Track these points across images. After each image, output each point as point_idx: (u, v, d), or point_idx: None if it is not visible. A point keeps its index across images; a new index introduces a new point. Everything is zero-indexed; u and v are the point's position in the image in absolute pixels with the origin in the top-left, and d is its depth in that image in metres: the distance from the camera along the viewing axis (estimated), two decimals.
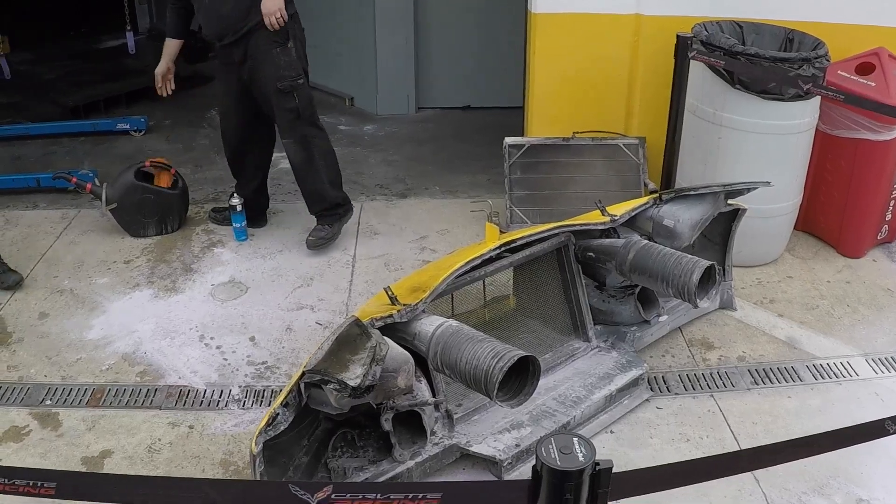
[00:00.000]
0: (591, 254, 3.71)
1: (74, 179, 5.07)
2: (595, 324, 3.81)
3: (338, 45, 6.96)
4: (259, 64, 4.47)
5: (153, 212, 4.91)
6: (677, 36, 4.35)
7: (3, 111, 6.84)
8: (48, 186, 5.35)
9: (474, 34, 6.83)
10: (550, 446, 1.59)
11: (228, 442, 3.38)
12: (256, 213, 5.04)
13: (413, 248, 4.84)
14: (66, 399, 3.61)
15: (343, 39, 6.96)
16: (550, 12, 4.84)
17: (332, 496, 1.54)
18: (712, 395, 3.65)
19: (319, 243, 4.80)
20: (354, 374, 2.63)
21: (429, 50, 6.91)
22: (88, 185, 4.99)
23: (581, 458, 1.59)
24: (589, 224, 3.73)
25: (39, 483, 1.57)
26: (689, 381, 3.74)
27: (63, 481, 1.62)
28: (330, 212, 4.84)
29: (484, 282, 3.71)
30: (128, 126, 6.50)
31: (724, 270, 4.19)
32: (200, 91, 7.40)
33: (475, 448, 3.20)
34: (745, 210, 4.06)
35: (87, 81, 7.31)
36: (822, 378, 3.76)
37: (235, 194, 4.87)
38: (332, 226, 4.84)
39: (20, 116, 6.66)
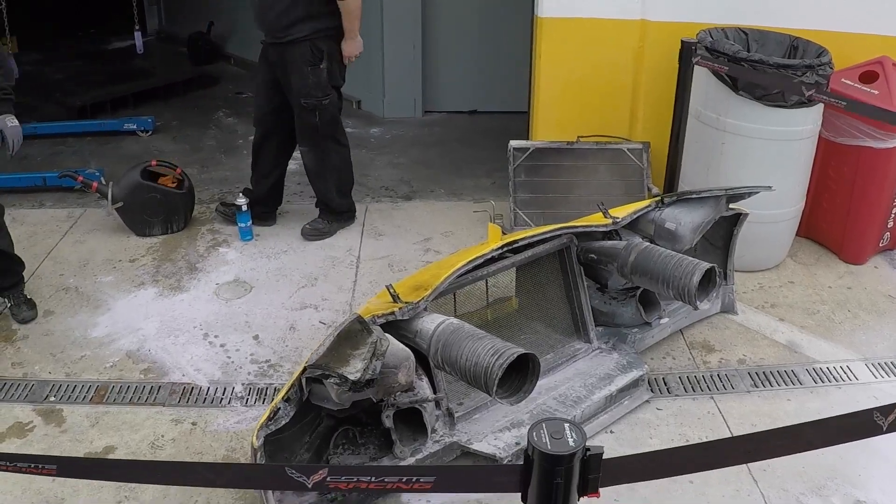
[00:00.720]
0: (592, 255, 3.72)
1: (80, 178, 5.09)
2: (596, 325, 3.83)
3: None
4: (289, 74, 4.56)
5: (159, 211, 4.94)
6: (682, 42, 4.38)
7: None
8: (54, 185, 5.38)
9: (481, 39, 6.87)
10: (542, 431, 1.60)
11: (231, 438, 3.40)
12: (268, 210, 5.07)
13: (417, 250, 4.86)
14: (70, 396, 3.64)
15: None
16: (557, 17, 4.86)
17: (328, 479, 1.56)
18: (712, 397, 3.66)
19: (314, 234, 4.92)
20: (355, 369, 2.66)
21: (436, 54, 6.95)
22: (94, 184, 5.01)
23: (571, 444, 1.60)
24: (591, 226, 3.74)
25: (41, 465, 1.59)
26: (690, 382, 3.75)
27: (63, 466, 1.64)
28: (334, 214, 4.96)
29: (487, 282, 3.72)
30: (135, 126, 6.53)
31: (725, 274, 4.20)
32: (207, 92, 7.44)
33: (476, 446, 3.21)
34: (746, 214, 4.07)
35: (95, 82, 7.35)
36: (822, 382, 3.77)
37: (242, 194, 4.91)
38: (331, 224, 4.97)
39: (27, 116, 6.65)
